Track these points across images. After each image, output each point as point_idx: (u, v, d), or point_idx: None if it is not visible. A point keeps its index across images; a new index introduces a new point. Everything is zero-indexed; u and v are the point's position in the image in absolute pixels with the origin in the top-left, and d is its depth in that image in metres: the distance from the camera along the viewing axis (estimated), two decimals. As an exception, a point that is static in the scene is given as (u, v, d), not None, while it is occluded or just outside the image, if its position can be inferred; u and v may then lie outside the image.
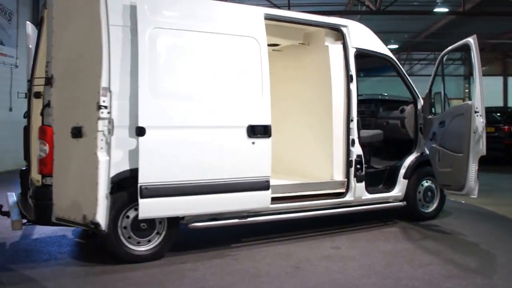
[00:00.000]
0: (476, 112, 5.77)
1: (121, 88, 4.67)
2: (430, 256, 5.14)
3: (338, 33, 6.17)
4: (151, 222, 4.93)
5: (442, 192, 6.96)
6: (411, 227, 6.50)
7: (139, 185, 4.63)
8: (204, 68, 5.06)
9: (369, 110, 7.71)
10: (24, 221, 4.84)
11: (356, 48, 6.18)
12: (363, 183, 6.15)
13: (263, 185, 5.28)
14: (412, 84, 6.81)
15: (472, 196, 6.03)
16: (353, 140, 6.06)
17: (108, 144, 4.17)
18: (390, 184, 6.63)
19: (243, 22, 5.31)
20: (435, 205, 6.95)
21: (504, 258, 5.12)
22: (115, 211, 4.74)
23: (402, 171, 6.64)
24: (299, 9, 16.62)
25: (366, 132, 6.84)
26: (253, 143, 5.21)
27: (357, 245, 5.57)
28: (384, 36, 21.90)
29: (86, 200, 4.10)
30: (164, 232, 5.00)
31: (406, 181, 6.62)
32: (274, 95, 7.27)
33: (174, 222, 5.05)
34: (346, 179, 6.10)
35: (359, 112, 7.62)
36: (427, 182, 6.84)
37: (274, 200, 5.55)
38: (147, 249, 4.92)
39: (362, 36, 6.36)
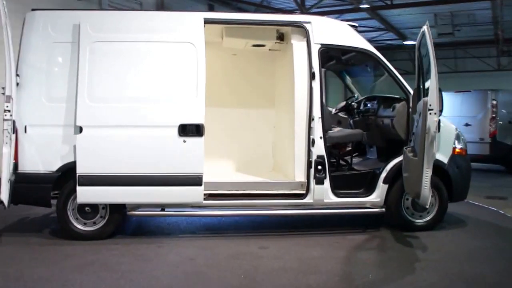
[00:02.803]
0: (429, 110, 5.21)
1: (68, 94, 5.64)
2: (340, 267, 4.91)
3: (304, 30, 6.10)
4: (95, 207, 5.78)
5: (442, 200, 6.25)
6: (384, 236, 6.04)
7: (77, 174, 5.53)
8: (138, 73, 5.69)
9: (372, 109, 7.21)
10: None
11: (321, 44, 6.03)
12: (325, 185, 5.97)
13: (195, 181, 5.66)
14: (401, 79, 6.27)
15: (426, 206, 5.43)
16: (313, 140, 5.95)
17: (11, 140, 5.12)
18: (369, 188, 6.24)
19: (179, 29, 5.75)
20: (431, 215, 6.26)
21: (414, 276, 4.59)
22: (65, 195, 5.73)
23: (383, 175, 6.18)
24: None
25: (340, 132, 6.55)
26: (184, 141, 5.64)
27: (290, 248, 5.51)
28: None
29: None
30: (107, 216, 5.80)
31: (386, 186, 6.15)
32: (274, 93, 7.45)
33: (116, 209, 5.80)
34: (306, 181, 6.03)
35: (364, 111, 7.35)
36: (419, 188, 6.22)
37: (220, 196, 5.91)
38: (92, 229, 5.79)
39: (330, 31, 6.15)
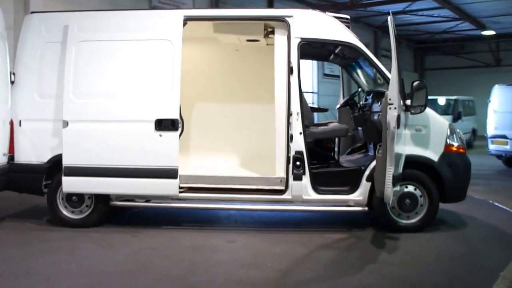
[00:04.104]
0: (389, 104, 4.94)
1: (58, 91, 6.04)
2: (288, 263, 4.79)
3: (286, 24, 6.00)
4: (81, 197, 6.14)
5: (432, 201, 5.87)
6: (364, 236, 5.79)
7: (63, 165, 5.92)
8: (118, 70, 5.94)
9: (369, 103, 6.85)
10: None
11: (301, 38, 5.91)
12: (303, 181, 5.85)
13: (171, 174, 5.82)
14: (387, 73, 5.94)
15: (388, 205, 5.15)
16: (291, 136, 5.87)
17: None
18: (353, 186, 6.00)
19: (158, 27, 5.92)
20: (420, 216, 5.89)
21: (354, 277, 4.38)
22: (55, 185, 6.15)
23: (367, 173, 5.91)
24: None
25: (322, 127, 6.36)
26: (160, 135, 5.81)
27: (256, 243, 5.49)
28: None
29: None
30: (92, 206, 6.14)
31: (369, 184, 5.87)
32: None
33: (100, 199, 6.12)
34: (285, 176, 5.95)
35: (363, 106, 7.07)
36: (406, 187, 5.89)
37: (199, 190, 6.04)
38: (78, 217, 6.16)
39: (312, 24, 5.98)
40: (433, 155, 5.91)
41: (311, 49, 6.81)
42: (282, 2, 18.89)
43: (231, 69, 7.52)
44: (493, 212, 7.26)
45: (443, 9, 18.99)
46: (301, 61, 6.00)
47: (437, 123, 6.01)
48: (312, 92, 21.47)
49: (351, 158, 7.00)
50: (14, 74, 6.14)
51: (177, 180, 5.83)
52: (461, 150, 6.09)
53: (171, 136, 5.81)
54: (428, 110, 6.03)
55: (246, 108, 7.50)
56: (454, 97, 17.22)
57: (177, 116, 5.81)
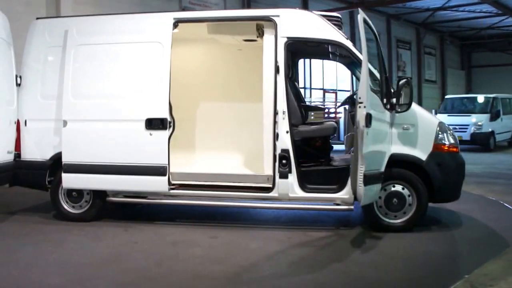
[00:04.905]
0: (359, 102, 4.93)
1: (59, 92, 6.41)
2: (257, 259, 4.87)
3: (273, 24, 6.07)
4: (81, 192, 6.47)
5: (421, 200, 5.76)
6: (347, 235, 5.75)
7: (62, 162, 6.27)
8: (113, 72, 6.23)
9: None
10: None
11: (287, 37, 5.95)
12: (289, 179, 5.90)
13: (160, 172, 6.04)
14: (376, 72, 5.87)
15: (361, 204, 5.11)
16: (277, 134, 5.94)
17: None
18: (341, 184, 5.98)
19: (149, 29, 6.15)
20: (408, 215, 5.79)
21: (311, 275, 4.40)
22: (57, 181, 6.51)
23: (353, 171, 5.89)
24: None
25: (310, 126, 6.35)
26: (150, 134, 6.05)
27: (235, 240, 5.59)
28: None
29: None
30: (90, 201, 6.45)
31: (355, 183, 5.85)
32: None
33: (98, 194, 6.43)
34: (272, 174, 6.03)
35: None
36: (394, 186, 5.82)
37: (190, 187, 6.22)
38: (78, 212, 6.50)
39: (298, 23, 6.01)
40: (421, 154, 5.80)
41: (307, 47, 6.87)
42: (318, 1, 18.86)
43: (233, 68, 7.64)
44: (498, 213, 6.96)
45: (483, 4, 18.27)
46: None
47: (426, 121, 5.89)
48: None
49: (345, 156, 6.96)
50: (20, 77, 6.57)
51: (167, 177, 6.04)
52: (453, 149, 5.93)
53: (160, 135, 6.03)
54: (417, 109, 5.95)
55: (247, 107, 7.60)
56: (492, 95, 16.52)
57: (166, 116, 6.01)
